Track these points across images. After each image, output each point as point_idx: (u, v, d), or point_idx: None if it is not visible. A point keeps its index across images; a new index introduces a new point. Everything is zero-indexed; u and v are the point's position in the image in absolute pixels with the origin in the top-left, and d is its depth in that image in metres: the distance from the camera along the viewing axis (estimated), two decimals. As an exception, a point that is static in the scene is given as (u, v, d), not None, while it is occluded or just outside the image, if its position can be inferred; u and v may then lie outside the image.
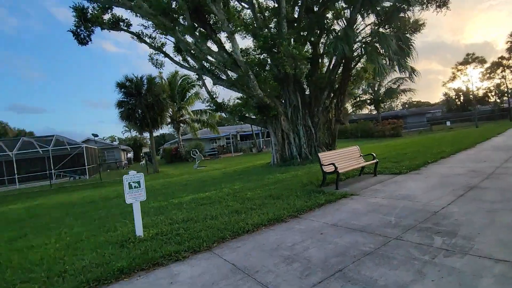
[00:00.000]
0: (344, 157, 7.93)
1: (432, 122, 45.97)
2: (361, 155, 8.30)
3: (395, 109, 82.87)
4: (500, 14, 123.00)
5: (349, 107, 38.61)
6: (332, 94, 14.32)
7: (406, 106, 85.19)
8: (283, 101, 13.71)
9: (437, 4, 13.30)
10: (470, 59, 30.53)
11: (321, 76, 12.77)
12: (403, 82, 31.26)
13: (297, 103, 13.20)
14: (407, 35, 14.51)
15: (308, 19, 11.81)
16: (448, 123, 34.95)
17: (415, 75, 12.96)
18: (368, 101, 34.68)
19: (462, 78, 31.18)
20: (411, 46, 12.01)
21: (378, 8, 11.20)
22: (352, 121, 39.58)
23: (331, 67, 13.56)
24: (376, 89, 33.21)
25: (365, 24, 14.70)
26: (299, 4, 12.36)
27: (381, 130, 32.00)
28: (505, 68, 36.64)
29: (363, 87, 34.14)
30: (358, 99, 34.35)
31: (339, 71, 13.55)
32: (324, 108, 13.57)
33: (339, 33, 11.48)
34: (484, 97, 47.88)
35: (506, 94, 39.74)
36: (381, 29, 14.28)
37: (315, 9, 12.72)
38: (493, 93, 43.50)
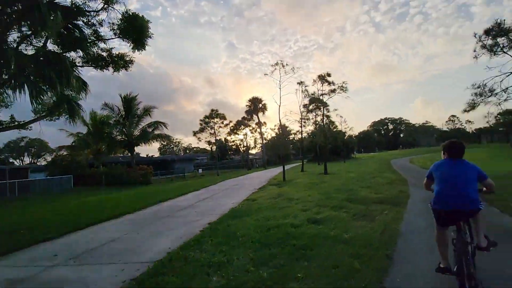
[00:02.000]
0: None
1: (197, 168, 49.27)
2: None
3: (179, 153, 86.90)
4: (263, 87, 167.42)
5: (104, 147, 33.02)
6: None
7: (188, 151, 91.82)
8: None
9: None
10: (214, 114, 35.36)
11: None
12: (158, 126, 30.30)
13: None
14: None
15: None
16: (200, 171, 37.29)
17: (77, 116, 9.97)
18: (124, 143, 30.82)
19: (210, 130, 35.22)
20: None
21: None
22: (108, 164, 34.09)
23: None
24: (131, 131, 30.13)
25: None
26: None
27: (133, 176, 28.60)
28: (246, 126, 45.93)
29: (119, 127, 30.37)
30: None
31: None
32: None
33: None
34: (236, 149, 58.36)
35: (246, 148, 49.44)
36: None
37: None
38: (241, 146, 53.62)
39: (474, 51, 12.96)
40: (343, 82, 20.09)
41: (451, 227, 3.00)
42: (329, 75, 19.96)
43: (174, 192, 14.08)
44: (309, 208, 7.52)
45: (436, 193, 2.94)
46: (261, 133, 44.66)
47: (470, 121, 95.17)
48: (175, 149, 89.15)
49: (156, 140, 30.42)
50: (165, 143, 78.40)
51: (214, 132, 35.51)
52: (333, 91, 20.30)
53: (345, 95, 20.18)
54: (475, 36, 13.02)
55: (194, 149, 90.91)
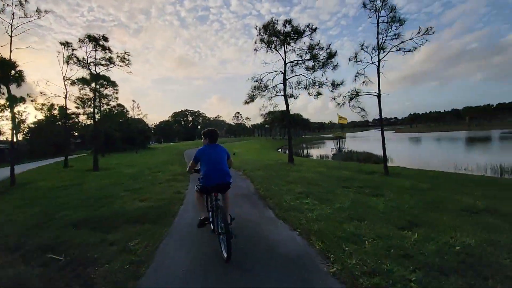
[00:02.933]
0: None
1: None
2: None
3: None
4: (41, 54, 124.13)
5: None
6: None
7: None
8: None
9: None
10: None
11: None
12: None
13: None
14: None
15: None
16: None
17: None
18: None
19: None
20: None
21: None
22: None
23: None
24: None
25: None
26: None
27: None
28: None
29: None
30: None
31: None
32: None
33: None
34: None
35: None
36: None
37: None
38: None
39: (255, 43, 13.33)
40: (125, 53, 15.89)
41: None
42: (105, 38, 15.02)
43: None
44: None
45: (204, 173, 3.49)
46: (13, 113, 30.96)
47: (248, 118, 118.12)
48: None
49: None
50: None
51: None
52: (110, 60, 15.56)
53: (128, 69, 16.13)
54: (256, 28, 13.36)
55: None
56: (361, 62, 9.69)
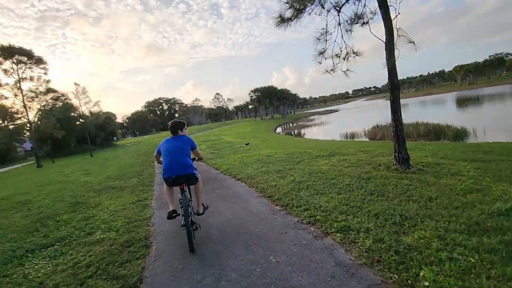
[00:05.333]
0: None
1: None
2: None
3: None
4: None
5: None
6: None
7: None
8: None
9: None
10: None
11: None
12: None
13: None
14: None
15: None
16: None
17: None
18: None
19: None
20: None
21: None
22: None
23: None
24: None
25: None
26: None
27: None
28: None
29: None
30: None
31: None
32: None
33: None
34: None
35: None
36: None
37: None
38: None
39: None
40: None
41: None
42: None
43: None
44: None
45: (163, 166, 3.41)
46: None
47: (230, 99, 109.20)
48: None
49: None
50: None
51: None
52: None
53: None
54: None
55: None
56: None
